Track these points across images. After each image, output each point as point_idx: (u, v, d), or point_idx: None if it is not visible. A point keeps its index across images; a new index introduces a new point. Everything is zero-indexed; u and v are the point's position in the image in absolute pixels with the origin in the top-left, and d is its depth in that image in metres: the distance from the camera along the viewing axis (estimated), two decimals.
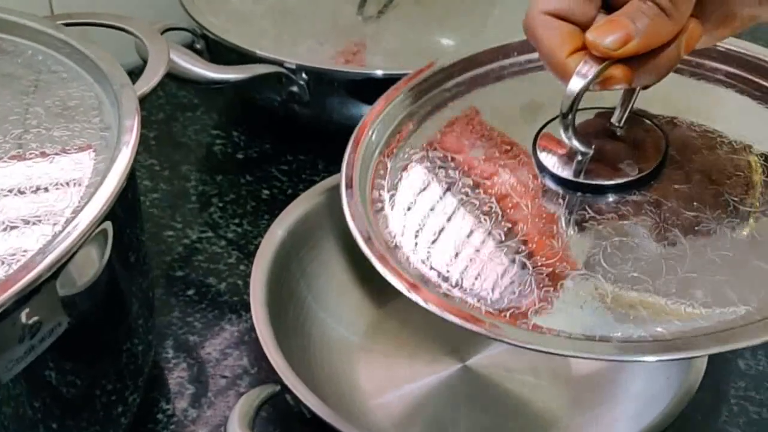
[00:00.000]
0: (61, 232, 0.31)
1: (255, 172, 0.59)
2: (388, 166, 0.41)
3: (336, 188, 0.47)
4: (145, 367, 0.42)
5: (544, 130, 0.39)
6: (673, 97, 0.40)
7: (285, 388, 0.37)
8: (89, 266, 0.34)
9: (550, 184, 0.37)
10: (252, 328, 0.40)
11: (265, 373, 0.45)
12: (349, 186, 0.40)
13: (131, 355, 0.39)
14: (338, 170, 0.49)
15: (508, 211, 0.37)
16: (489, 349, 0.46)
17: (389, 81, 0.55)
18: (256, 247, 0.44)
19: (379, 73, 0.55)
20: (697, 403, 0.38)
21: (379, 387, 0.44)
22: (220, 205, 0.57)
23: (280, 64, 0.55)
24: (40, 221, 0.32)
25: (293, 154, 0.61)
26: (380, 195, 0.39)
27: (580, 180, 0.37)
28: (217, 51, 0.58)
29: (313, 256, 0.46)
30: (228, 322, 0.48)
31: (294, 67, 0.55)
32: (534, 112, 0.41)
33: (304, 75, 0.55)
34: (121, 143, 0.35)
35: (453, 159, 0.40)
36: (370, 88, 0.56)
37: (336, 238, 0.47)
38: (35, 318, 0.30)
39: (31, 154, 0.35)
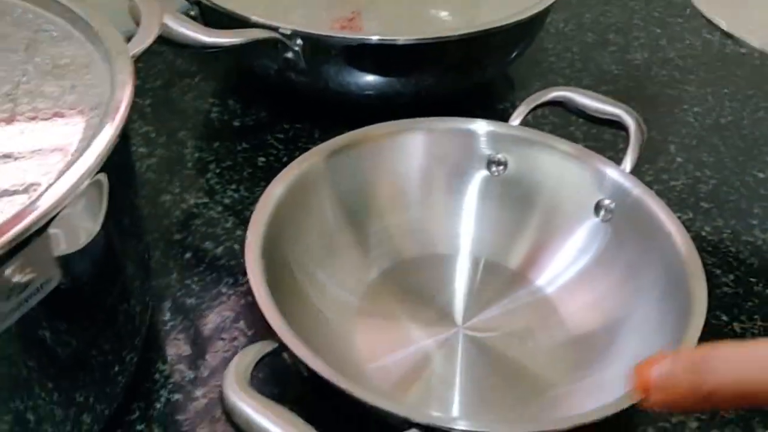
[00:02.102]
0: (51, 185, 0.30)
1: (251, 139, 0.59)
2: None
3: (334, 152, 0.47)
4: (142, 328, 0.41)
5: None
6: None
7: (282, 346, 0.37)
8: (84, 222, 0.34)
9: None
10: (249, 292, 0.39)
11: (262, 335, 0.44)
12: None
13: (128, 316, 0.39)
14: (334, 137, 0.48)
15: None
16: (485, 312, 0.46)
17: (385, 47, 0.55)
18: (252, 213, 0.44)
19: (375, 38, 0.55)
20: None
21: (376, 350, 0.44)
22: (217, 171, 0.56)
23: (275, 29, 0.54)
24: (31, 178, 0.32)
25: (289, 122, 0.60)
26: None
27: None
28: (212, 17, 0.58)
29: (309, 219, 0.46)
30: (225, 285, 0.48)
31: (289, 32, 0.54)
32: None
33: (299, 41, 0.55)
34: (114, 99, 0.35)
35: None
36: (366, 55, 0.56)
37: (333, 201, 0.47)
38: (24, 273, 0.29)
39: (21, 110, 0.35)
